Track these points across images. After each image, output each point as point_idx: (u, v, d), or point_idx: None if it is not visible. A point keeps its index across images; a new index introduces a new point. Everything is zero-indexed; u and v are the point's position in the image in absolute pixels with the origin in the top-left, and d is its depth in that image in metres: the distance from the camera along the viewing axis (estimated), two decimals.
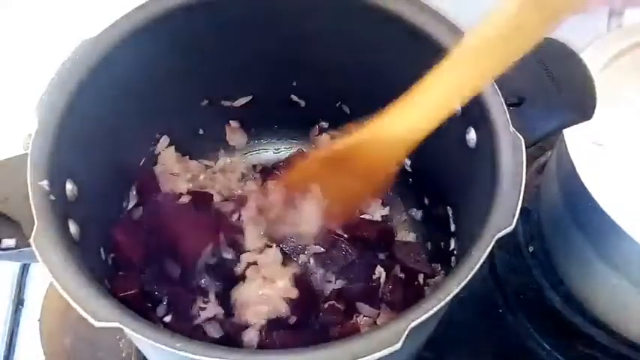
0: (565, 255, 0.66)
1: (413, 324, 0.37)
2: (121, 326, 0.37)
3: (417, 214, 0.67)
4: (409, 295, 0.58)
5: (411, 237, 0.66)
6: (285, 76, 0.63)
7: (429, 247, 0.64)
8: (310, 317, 0.57)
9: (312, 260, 0.60)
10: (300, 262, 0.60)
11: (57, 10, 0.74)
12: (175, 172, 0.64)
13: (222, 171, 0.68)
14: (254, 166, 0.69)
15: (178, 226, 0.58)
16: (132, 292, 0.53)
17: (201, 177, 0.66)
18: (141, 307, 0.53)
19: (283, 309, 0.57)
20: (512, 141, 0.45)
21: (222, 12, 0.54)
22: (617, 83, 0.60)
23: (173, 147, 0.64)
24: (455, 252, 0.57)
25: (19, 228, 0.42)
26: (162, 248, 0.58)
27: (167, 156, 0.64)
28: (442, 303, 0.38)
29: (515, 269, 0.70)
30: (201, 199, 0.62)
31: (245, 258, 0.59)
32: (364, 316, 0.58)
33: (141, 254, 0.56)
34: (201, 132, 0.67)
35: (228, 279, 0.59)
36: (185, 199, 0.62)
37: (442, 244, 0.60)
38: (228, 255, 0.60)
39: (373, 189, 0.58)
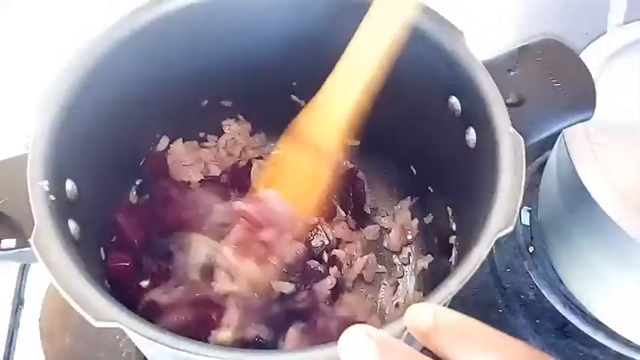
0: (565, 255, 0.66)
1: None
2: (120, 326, 0.37)
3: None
4: None
5: (410, 237, 0.67)
6: (285, 76, 0.63)
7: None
8: None
9: None
10: None
11: (57, 10, 0.74)
12: (187, 163, 0.65)
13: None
14: None
15: (186, 210, 0.59)
16: (125, 264, 0.54)
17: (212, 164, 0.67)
18: (131, 280, 0.55)
19: None
20: (512, 141, 0.45)
21: (221, 13, 0.54)
22: (616, 83, 0.60)
23: (181, 139, 0.64)
24: (455, 252, 0.57)
25: (19, 228, 0.42)
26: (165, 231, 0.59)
27: (177, 149, 0.64)
28: (442, 303, 0.38)
29: (515, 269, 0.70)
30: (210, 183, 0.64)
31: None
32: None
33: (142, 238, 0.57)
34: (201, 134, 0.67)
35: None
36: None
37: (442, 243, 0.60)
38: None
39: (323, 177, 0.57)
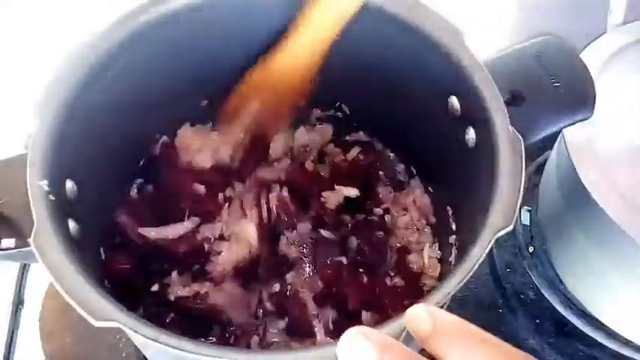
0: (565, 255, 0.66)
1: None
2: (120, 326, 0.37)
3: None
4: None
5: None
6: None
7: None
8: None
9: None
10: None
11: (57, 10, 0.74)
12: (196, 147, 0.63)
13: None
14: None
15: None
16: (127, 266, 0.54)
17: (223, 150, 0.65)
18: (134, 282, 0.55)
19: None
20: (511, 141, 0.45)
21: (221, 12, 0.54)
22: (616, 82, 0.60)
23: (188, 123, 0.63)
24: (455, 251, 0.57)
25: (18, 228, 0.42)
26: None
27: (185, 134, 0.63)
28: (441, 303, 0.38)
29: (515, 269, 0.70)
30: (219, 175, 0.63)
31: None
32: None
33: (146, 237, 0.57)
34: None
35: None
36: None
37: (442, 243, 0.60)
38: None
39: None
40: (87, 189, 0.48)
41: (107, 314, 0.37)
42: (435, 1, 0.51)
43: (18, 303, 0.69)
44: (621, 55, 0.62)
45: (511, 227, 0.41)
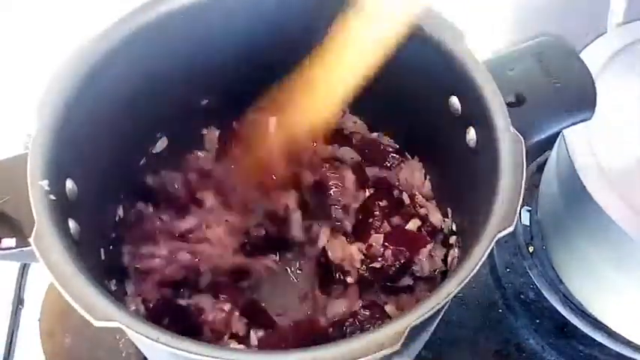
0: (565, 255, 0.66)
1: (413, 324, 0.37)
2: (121, 326, 0.37)
3: None
4: None
5: None
6: (284, 76, 0.63)
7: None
8: None
9: None
10: None
11: (57, 11, 0.74)
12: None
13: None
14: None
15: None
16: None
17: None
18: None
19: None
20: (512, 141, 0.45)
21: (221, 13, 0.54)
22: (616, 82, 0.60)
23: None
24: (455, 252, 0.57)
25: (19, 228, 0.42)
26: None
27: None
28: (442, 303, 0.38)
29: (515, 269, 0.70)
30: None
31: None
32: None
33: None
34: (204, 131, 0.67)
35: None
36: None
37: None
38: None
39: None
40: (87, 189, 0.48)
41: (107, 314, 0.37)
42: (435, 1, 0.51)
43: (18, 303, 0.69)
44: (621, 55, 0.62)
45: (512, 228, 0.41)
